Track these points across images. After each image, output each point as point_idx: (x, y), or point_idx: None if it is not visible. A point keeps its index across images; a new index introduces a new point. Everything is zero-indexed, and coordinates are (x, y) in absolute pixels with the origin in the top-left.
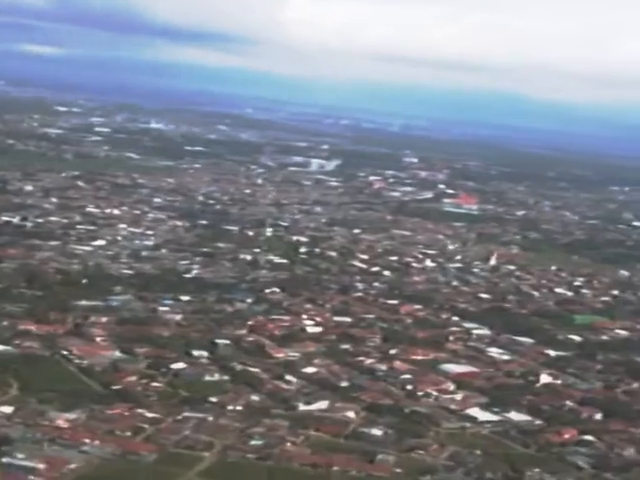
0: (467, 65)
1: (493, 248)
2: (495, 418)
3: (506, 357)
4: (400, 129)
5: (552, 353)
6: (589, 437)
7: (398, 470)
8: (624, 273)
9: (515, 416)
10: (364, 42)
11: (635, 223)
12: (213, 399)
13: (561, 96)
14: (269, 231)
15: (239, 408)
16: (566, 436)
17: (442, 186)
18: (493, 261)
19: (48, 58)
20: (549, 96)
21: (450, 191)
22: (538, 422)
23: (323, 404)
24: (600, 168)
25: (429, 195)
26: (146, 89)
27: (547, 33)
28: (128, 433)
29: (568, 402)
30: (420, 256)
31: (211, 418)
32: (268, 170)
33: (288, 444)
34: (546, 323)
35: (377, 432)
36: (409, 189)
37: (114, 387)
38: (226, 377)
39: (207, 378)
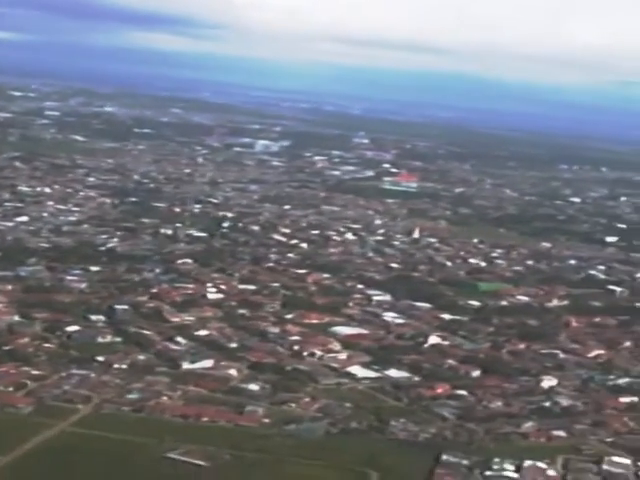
0: (429, 47)
1: (418, 222)
2: (374, 375)
3: (400, 321)
4: (361, 112)
5: (447, 317)
6: (462, 392)
7: (266, 420)
8: (546, 245)
9: (394, 373)
10: (321, 24)
11: (573, 199)
12: (101, 358)
13: (522, 78)
14: (196, 207)
15: (124, 366)
16: (439, 391)
17: (386, 165)
18: (416, 234)
19: (6, 44)
20: (510, 78)
21: (393, 170)
22: (416, 379)
23: (208, 363)
24: (553, 148)
25: (370, 174)
26: (104, 74)
27: (505, 15)
28: (10, 388)
29: (450, 361)
30: (343, 230)
31: (94, 375)
32: (212, 151)
33: (164, 398)
34: (451, 290)
35: (254, 387)
36: (351, 168)
37: (5, 348)
38: (118, 339)
39: (100, 340)
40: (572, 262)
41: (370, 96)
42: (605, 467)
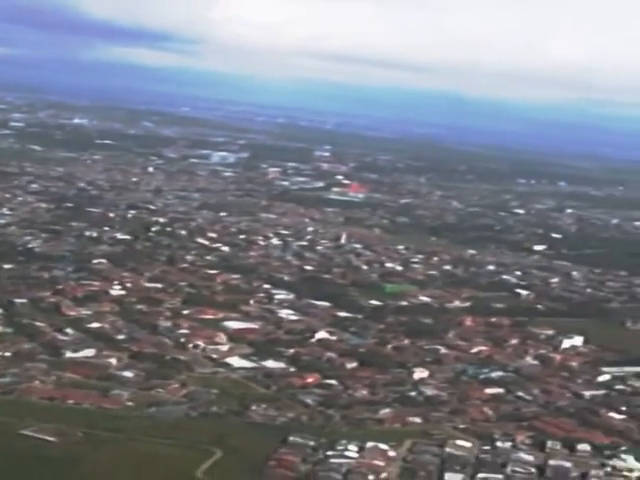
0: (407, 64)
1: (349, 229)
2: (250, 365)
3: (295, 317)
4: (334, 127)
5: (343, 315)
6: (332, 381)
7: (129, 403)
8: (471, 252)
9: (271, 364)
10: (300, 40)
11: (517, 210)
12: None
13: (498, 95)
14: (131, 212)
15: (7, 354)
16: (309, 380)
17: (340, 177)
18: (343, 240)
19: None
20: (486, 95)
21: (345, 181)
22: (291, 369)
23: (90, 352)
24: (516, 163)
25: (320, 184)
26: (83, 87)
27: (482, 33)
28: None
29: (330, 354)
30: (271, 235)
31: None
32: (167, 161)
33: (36, 382)
34: (357, 291)
35: (129, 374)
36: (303, 179)
37: None
38: (10, 329)
39: None
40: (490, 268)
41: (346, 112)
42: (447, 449)
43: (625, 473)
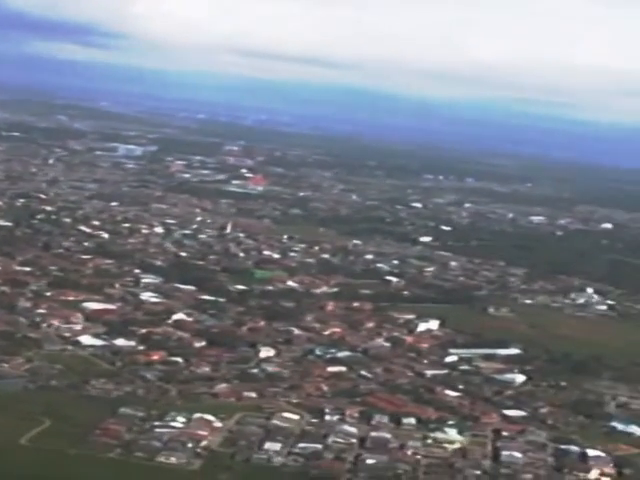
0: (330, 61)
1: (238, 220)
2: (100, 343)
3: (156, 300)
4: (255, 123)
5: (206, 298)
6: (176, 358)
7: None
8: (356, 242)
9: (120, 342)
10: (223, 36)
11: (415, 204)
12: None
13: (419, 93)
14: (20, 201)
15: None
16: (154, 357)
17: (244, 170)
18: (228, 229)
19: None
20: (407, 93)
21: (248, 175)
22: (140, 347)
23: None
24: (429, 159)
25: (222, 177)
26: (2, 82)
27: (403, 31)
28: None
29: (182, 333)
30: (156, 224)
31: None
32: (71, 154)
33: None
34: (227, 277)
35: None
36: (206, 172)
37: None
38: None
39: None
40: (368, 257)
41: (268, 108)
42: (274, 421)
43: (445, 445)
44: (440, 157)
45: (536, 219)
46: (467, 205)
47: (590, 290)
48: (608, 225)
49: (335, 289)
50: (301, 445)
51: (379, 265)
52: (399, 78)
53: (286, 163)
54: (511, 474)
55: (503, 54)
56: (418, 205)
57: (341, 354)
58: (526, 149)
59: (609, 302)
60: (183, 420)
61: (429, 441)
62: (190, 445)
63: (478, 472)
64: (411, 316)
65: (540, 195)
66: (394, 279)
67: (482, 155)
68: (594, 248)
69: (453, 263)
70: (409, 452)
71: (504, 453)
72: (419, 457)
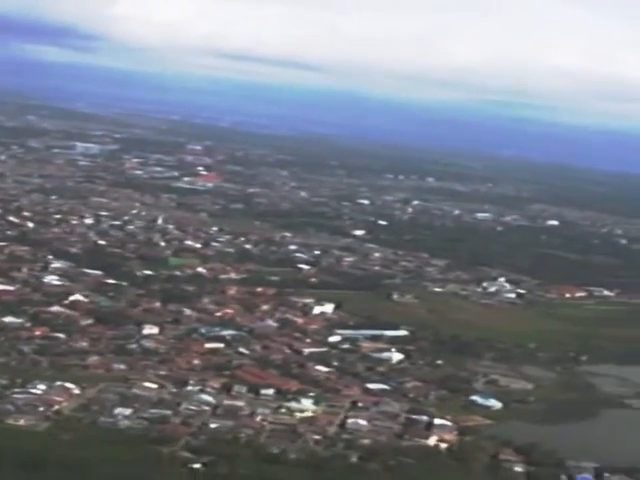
0: (308, 63)
1: (172, 212)
2: None
3: (58, 283)
4: (230, 124)
5: (110, 282)
6: (59, 334)
7: None
8: (286, 234)
9: (9, 319)
10: (200, 38)
11: (362, 201)
12: None
13: (394, 95)
14: None
15: None
16: (37, 332)
17: (200, 168)
18: (159, 221)
19: None
20: (383, 95)
21: (202, 172)
22: (27, 324)
23: None
24: (395, 159)
25: (175, 174)
26: None
27: (379, 33)
28: None
29: (73, 312)
30: (87, 215)
31: None
32: (28, 151)
33: None
34: (140, 264)
35: None
36: (159, 169)
37: None
38: None
39: None
40: (291, 247)
41: (247, 110)
42: (133, 390)
43: (296, 413)
44: (407, 158)
45: (481, 216)
46: (415, 202)
47: (502, 279)
48: (555, 222)
49: (244, 275)
50: (152, 411)
51: (298, 255)
52: (376, 80)
53: (246, 162)
54: (351, 439)
55: (479, 57)
56: (365, 202)
57: (225, 332)
58: (501, 151)
59: (520, 291)
60: (43, 387)
61: (283, 410)
62: (42, 409)
63: (319, 437)
64: (310, 300)
65: (498, 194)
66: (306, 267)
67: (453, 156)
68: (528, 243)
69: (376, 254)
70: (258, 419)
71: (350, 421)
72: (265, 423)
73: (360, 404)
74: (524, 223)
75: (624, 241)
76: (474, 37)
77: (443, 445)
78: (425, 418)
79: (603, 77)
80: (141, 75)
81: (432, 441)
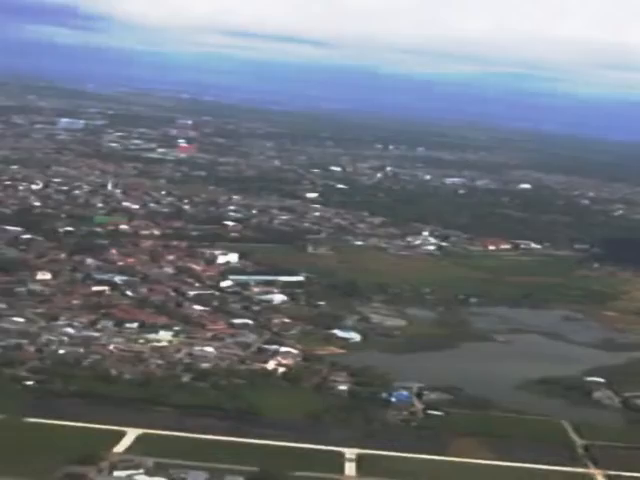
0: (314, 39)
1: (129, 179)
2: None
3: None
4: (238, 102)
5: (26, 237)
6: None
7: None
8: (235, 197)
9: None
10: (206, 16)
11: (333, 168)
12: None
13: (402, 69)
14: None
15: None
16: None
17: (181, 140)
18: (109, 187)
19: None
20: (394, 69)
21: (183, 144)
22: None
23: None
24: (389, 131)
25: (152, 146)
26: None
27: (384, 7)
28: None
29: None
30: (38, 182)
31: None
32: (10, 126)
33: None
34: (65, 221)
35: None
36: (138, 142)
37: None
38: None
39: None
40: (231, 207)
41: (255, 87)
42: (1, 324)
43: (153, 343)
44: (409, 130)
45: (450, 180)
46: (388, 169)
47: (426, 233)
48: (527, 186)
49: (167, 231)
50: (10, 340)
51: (232, 214)
52: (384, 55)
53: (234, 134)
54: (192, 364)
55: (486, 30)
56: (337, 169)
57: (117, 278)
58: (513, 123)
59: (443, 244)
60: None
61: (141, 341)
62: None
63: (162, 362)
64: (218, 252)
65: (486, 162)
66: (232, 224)
67: (459, 129)
68: (483, 203)
69: (316, 214)
70: (111, 347)
71: (196, 348)
72: (115, 351)
73: (220, 336)
74: (494, 187)
75: (586, 202)
76: (481, 9)
77: (281, 369)
78: (274, 347)
79: (613, 46)
80: (148, 54)
81: (271, 365)
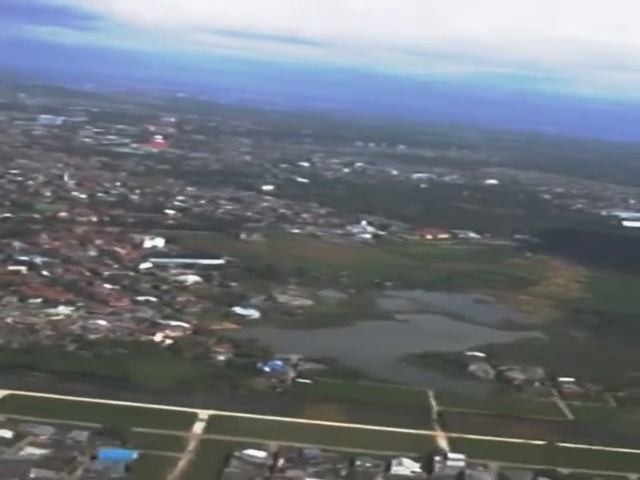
0: (309, 39)
1: (89, 171)
2: None
3: None
4: (234, 102)
5: None
6: None
7: None
8: (190, 189)
9: None
10: (202, 16)
11: (302, 163)
12: None
13: (398, 70)
14: None
15: None
16: None
17: (158, 137)
18: (66, 178)
19: None
20: (392, 70)
21: (158, 140)
22: None
23: None
24: (378, 130)
25: (125, 141)
26: None
27: (381, 8)
28: None
29: None
30: None
31: None
32: None
33: None
34: (8, 208)
35: None
36: (113, 137)
37: None
38: None
39: None
40: (180, 198)
41: (253, 87)
42: None
43: (52, 317)
44: (399, 129)
45: (417, 176)
46: (358, 164)
47: (364, 223)
48: (494, 181)
49: (105, 218)
50: None
51: (178, 204)
52: (380, 55)
53: (214, 132)
54: (81, 334)
55: (484, 29)
56: (305, 164)
57: (38, 259)
58: (504, 123)
59: (380, 233)
60: None
61: (41, 315)
62: None
63: (52, 333)
64: (147, 237)
65: (464, 159)
66: (172, 212)
67: (455, 129)
68: (439, 196)
69: (264, 204)
70: (8, 320)
71: (90, 321)
72: (11, 323)
73: (119, 311)
74: (460, 182)
75: (548, 196)
76: (479, 9)
77: (168, 341)
78: (171, 323)
79: (611, 47)
80: (147, 54)
81: (158, 338)
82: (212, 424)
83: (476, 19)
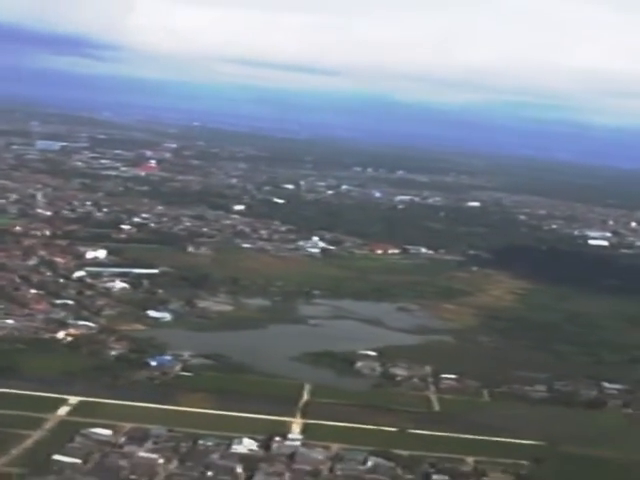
0: (323, 68)
1: (66, 192)
2: None
3: None
4: (248, 129)
5: None
6: None
7: None
8: (159, 208)
9: None
10: (218, 46)
11: (287, 186)
12: None
13: (410, 97)
14: None
15: None
16: None
17: (152, 161)
18: (39, 197)
19: None
20: (400, 98)
21: (151, 164)
22: None
23: None
24: (378, 156)
25: (117, 165)
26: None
27: (392, 36)
28: None
29: None
30: None
31: None
32: None
33: None
34: None
35: None
36: (105, 162)
37: None
38: None
39: None
40: (144, 215)
41: (268, 116)
42: None
43: None
44: (404, 156)
45: (399, 198)
46: (344, 187)
47: (316, 238)
48: (475, 204)
49: (58, 232)
50: None
51: (137, 220)
52: (393, 83)
53: (211, 157)
54: None
55: (495, 58)
56: (290, 186)
57: None
58: (513, 150)
59: (330, 247)
60: None
61: None
62: None
63: None
64: (91, 249)
65: (458, 184)
66: (127, 227)
67: (459, 155)
68: (410, 216)
69: (226, 222)
70: None
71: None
72: None
73: (34, 313)
74: (441, 204)
75: (524, 217)
76: (490, 38)
77: (69, 338)
78: (77, 322)
79: (619, 75)
80: (164, 83)
81: (61, 335)
82: (77, 408)
83: (488, 48)
